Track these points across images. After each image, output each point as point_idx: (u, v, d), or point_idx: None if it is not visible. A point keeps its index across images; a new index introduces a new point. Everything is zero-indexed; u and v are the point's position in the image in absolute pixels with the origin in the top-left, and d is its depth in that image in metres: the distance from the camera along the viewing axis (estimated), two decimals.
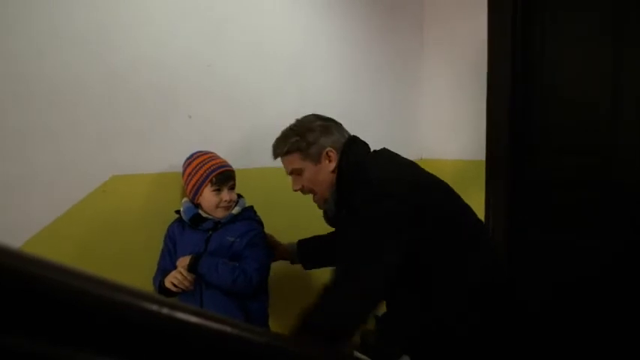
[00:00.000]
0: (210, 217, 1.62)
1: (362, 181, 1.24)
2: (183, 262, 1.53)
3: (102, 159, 1.62)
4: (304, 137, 1.35)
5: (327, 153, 1.34)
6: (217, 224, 1.62)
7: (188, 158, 1.66)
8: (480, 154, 2.31)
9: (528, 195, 2.20)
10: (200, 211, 1.62)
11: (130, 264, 1.67)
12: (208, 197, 1.59)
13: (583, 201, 2.05)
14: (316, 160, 1.35)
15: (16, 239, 1.45)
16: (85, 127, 1.59)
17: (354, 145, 1.36)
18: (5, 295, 0.32)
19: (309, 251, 1.71)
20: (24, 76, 1.47)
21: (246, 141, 1.99)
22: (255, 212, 1.73)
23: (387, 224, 1.12)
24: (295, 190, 1.44)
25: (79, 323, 0.32)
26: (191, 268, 1.52)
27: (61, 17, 1.52)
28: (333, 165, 1.33)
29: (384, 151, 1.39)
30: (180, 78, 1.79)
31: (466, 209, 1.30)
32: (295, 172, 1.42)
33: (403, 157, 1.37)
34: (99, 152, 1.62)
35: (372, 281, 1.10)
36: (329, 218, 1.42)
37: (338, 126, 1.39)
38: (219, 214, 1.62)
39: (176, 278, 1.50)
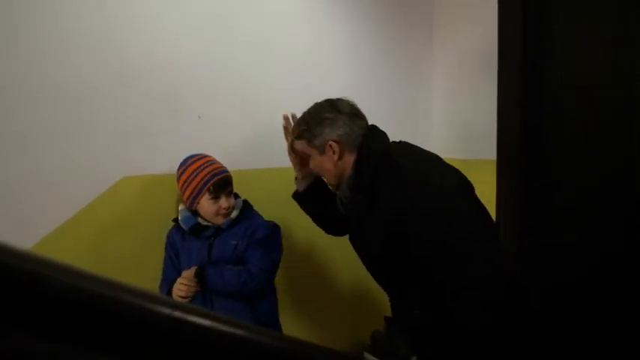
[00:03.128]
0: (210, 224, 1.61)
1: (393, 171, 1.25)
2: (188, 274, 1.53)
3: (113, 160, 1.64)
4: (310, 128, 1.39)
5: (329, 145, 1.36)
6: (218, 230, 1.61)
7: (182, 164, 1.63)
8: (491, 154, 2.29)
9: (540, 194, 2.18)
10: (199, 220, 1.61)
11: (142, 264, 1.68)
12: (206, 206, 1.57)
13: (596, 201, 2.02)
14: (320, 150, 1.39)
15: (29, 239, 1.47)
16: (96, 128, 1.61)
17: (375, 136, 1.38)
18: (21, 296, 0.32)
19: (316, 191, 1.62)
20: (36, 78, 1.48)
21: (255, 141, 1.99)
22: (251, 206, 1.71)
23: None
24: (311, 169, 1.48)
25: (87, 323, 0.32)
26: (199, 279, 1.52)
27: (71, 19, 1.54)
28: (336, 157, 1.36)
29: (408, 144, 1.40)
30: (190, 79, 1.80)
31: (484, 210, 1.29)
32: (305, 156, 1.47)
33: (428, 151, 1.38)
34: (110, 153, 1.63)
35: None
36: (343, 204, 1.42)
37: (352, 117, 1.38)
38: (219, 221, 1.60)
39: (181, 290, 1.50)
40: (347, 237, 1.58)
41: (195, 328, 0.37)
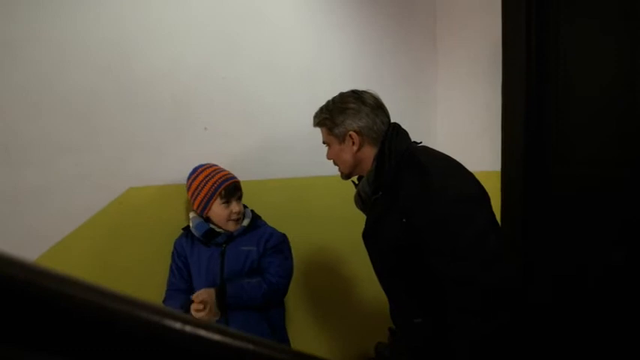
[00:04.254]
0: (223, 231, 1.61)
1: (414, 170, 1.24)
2: (207, 296, 1.45)
3: (119, 171, 1.65)
4: (332, 117, 1.38)
5: (349, 135, 1.36)
6: (230, 237, 1.61)
7: (192, 173, 1.66)
8: (496, 165, 2.28)
9: (544, 206, 2.17)
10: (212, 226, 1.62)
11: (148, 274, 1.68)
12: (218, 211, 1.58)
13: (601, 212, 2.01)
14: (340, 139, 1.38)
15: (37, 249, 1.48)
16: (103, 139, 1.62)
17: (397, 133, 1.37)
18: (27, 310, 0.32)
19: None
20: (44, 90, 1.51)
21: (261, 152, 2.00)
22: (259, 216, 1.73)
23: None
24: (327, 159, 1.46)
25: (95, 338, 0.33)
26: (219, 300, 1.47)
27: (78, 32, 1.56)
28: (355, 148, 1.35)
29: (429, 147, 1.38)
30: (196, 91, 1.82)
31: (496, 222, 1.29)
32: (325, 144, 1.45)
33: (449, 156, 1.35)
34: (116, 164, 1.65)
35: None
36: (361, 200, 1.41)
37: (376, 110, 1.38)
38: (231, 226, 1.61)
39: (199, 313, 1.43)
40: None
41: (205, 343, 0.37)
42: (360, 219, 1.43)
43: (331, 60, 2.25)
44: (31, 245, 1.46)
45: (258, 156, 1.99)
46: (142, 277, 1.67)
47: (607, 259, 1.95)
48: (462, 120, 2.59)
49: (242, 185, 1.69)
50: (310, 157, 2.11)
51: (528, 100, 2.17)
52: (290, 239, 1.78)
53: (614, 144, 1.98)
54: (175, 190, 1.77)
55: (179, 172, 1.74)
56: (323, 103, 1.46)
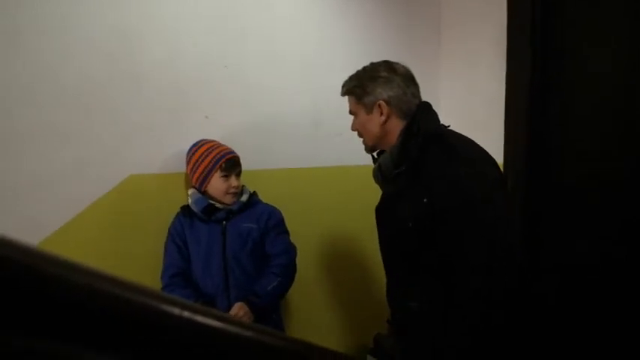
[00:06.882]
0: (222, 207, 1.63)
1: (441, 147, 1.23)
2: (243, 313, 1.51)
3: (120, 159, 1.64)
4: (362, 85, 1.35)
5: (379, 105, 1.32)
6: (229, 213, 1.63)
7: (193, 146, 1.68)
8: (498, 157, 2.27)
9: (547, 197, 2.16)
10: (211, 202, 1.63)
11: (147, 261, 1.68)
12: (217, 184, 1.61)
13: (605, 205, 2.00)
14: (368, 109, 1.35)
15: (36, 236, 1.47)
16: (104, 127, 1.61)
17: (428, 111, 1.35)
18: (26, 295, 0.32)
19: None
20: (44, 78, 1.49)
21: (262, 141, 1.99)
22: (256, 193, 1.76)
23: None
24: (352, 130, 1.43)
25: (93, 322, 0.32)
26: (255, 312, 1.53)
27: (80, 22, 1.55)
28: (383, 118, 1.32)
29: (456, 131, 1.37)
30: (197, 79, 1.81)
31: (511, 209, 1.29)
32: (352, 114, 1.42)
33: (474, 141, 1.35)
34: (117, 152, 1.64)
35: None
36: (381, 173, 1.37)
37: (407, 81, 1.35)
38: (228, 200, 1.63)
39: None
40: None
41: (203, 328, 0.36)
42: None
43: (333, 49, 2.23)
44: (30, 233, 1.45)
45: (259, 145, 1.98)
46: (141, 264, 1.67)
47: (611, 254, 1.95)
48: (464, 112, 2.57)
49: (242, 175, 1.69)
50: (311, 147, 2.10)
51: (532, 93, 2.15)
52: (290, 229, 1.78)
53: (619, 139, 1.97)
54: (176, 178, 1.76)
55: (180, 160, 1.74)
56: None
